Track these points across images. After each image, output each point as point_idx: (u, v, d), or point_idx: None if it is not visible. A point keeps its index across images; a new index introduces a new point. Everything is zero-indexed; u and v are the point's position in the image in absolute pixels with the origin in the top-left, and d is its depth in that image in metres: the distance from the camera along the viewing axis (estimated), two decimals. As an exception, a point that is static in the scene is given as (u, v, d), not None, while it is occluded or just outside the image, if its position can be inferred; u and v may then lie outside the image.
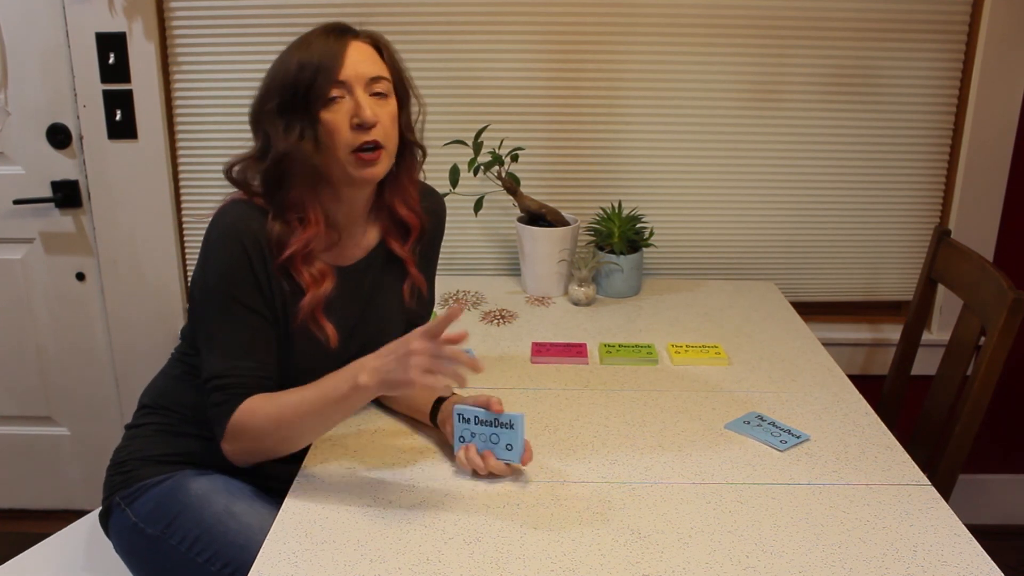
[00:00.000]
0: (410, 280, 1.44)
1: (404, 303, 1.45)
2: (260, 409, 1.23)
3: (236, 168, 1.30)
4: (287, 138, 1.24)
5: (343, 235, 1.36)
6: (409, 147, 1.36)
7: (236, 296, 1.25)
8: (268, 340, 1.28)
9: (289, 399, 1.23)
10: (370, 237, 1.41)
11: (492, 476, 1.26)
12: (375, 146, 1.26)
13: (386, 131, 1.27)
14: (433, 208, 1.47)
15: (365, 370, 1.18)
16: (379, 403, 1.49)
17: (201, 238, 1.29)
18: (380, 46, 1.30)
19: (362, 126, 1.24)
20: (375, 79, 1.26)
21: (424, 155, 1.41)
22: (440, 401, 1.35)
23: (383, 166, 1.29)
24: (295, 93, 1.23)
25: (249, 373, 1.26)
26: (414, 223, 1.41)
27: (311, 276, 1.29)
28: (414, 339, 1.16)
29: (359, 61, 1.25)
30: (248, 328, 1.26)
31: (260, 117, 1.27)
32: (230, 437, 1.25)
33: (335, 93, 1.24)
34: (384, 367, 1.17)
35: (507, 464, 1.25)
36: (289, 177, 1.25)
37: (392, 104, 1.29)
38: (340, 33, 1.26)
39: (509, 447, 1.22)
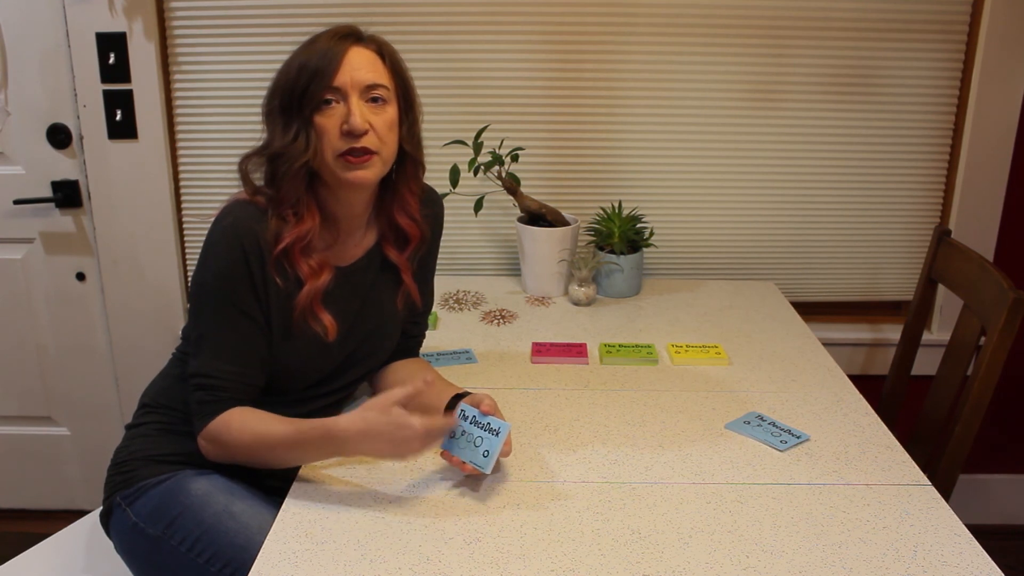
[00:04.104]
0: (404, 288, 1.44)
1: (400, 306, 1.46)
2: (241, 427, 1.25)
3: (249, 163, 1.31)
4: (283, 137, 1.25)
5: (342, 235, 1.36)
6: (410, 156, 1.36)
7: (232, 298, 1.25)
8: (257, 347, 1.29)
9: (270, 430, 1.24)
10: (369, 238, 1.41)
11: (488, 475, 1.26)
12: (364, 151, 1.26)
13: (380, 138, 1.27)
14: (434, 212, 1.48)
15: (348, 445, 1.20)
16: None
17: (201, 238, 1.30)
18: (383, 53, 1.29)
19: (351, 133, 1.24)
20: (372, 86, 1.25)
21: (423, 170, 1.40)
22: (457, 399, 1.35)
23: (374, 171, 1.28)
24: (292, 95, 1.24)
25: (234, 378, 1.27)
26: (413, 233, 1.41)
27: (309, 268, 1.29)
28: (408, 423, 1.16)
29: (357, 67, 1.24)
30: (239, 332, 1.27)
31: (266, 112, 1.29)
32: (207, 437, 1.27)
33: (328, 98, 1.24)
34: (374, 447, 1.19)
35: (474, 468, 1.22)
36: (285, 174, 1.26)
37: (390, 112, 1.28)
38: (343, 37, 1.26)
39: (486, 454, 1.20)
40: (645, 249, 2.04)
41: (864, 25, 2.02)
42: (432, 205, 1.47)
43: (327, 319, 1.32)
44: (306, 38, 1.29)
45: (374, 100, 1.26)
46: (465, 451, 1.21)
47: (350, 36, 1.27)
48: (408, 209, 1.40)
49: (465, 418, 1.24)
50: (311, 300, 1.30)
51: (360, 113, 1.24)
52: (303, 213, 1.29)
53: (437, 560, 1.08)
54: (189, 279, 2.21)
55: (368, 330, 1.41)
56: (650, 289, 2.08)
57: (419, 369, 1.49)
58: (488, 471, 1.21)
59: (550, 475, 1.28)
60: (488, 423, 1.22)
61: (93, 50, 2.01)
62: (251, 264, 1.25)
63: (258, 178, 1.31)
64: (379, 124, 1.26)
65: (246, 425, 1.25)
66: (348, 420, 1.19)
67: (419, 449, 1.19)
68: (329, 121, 1.24)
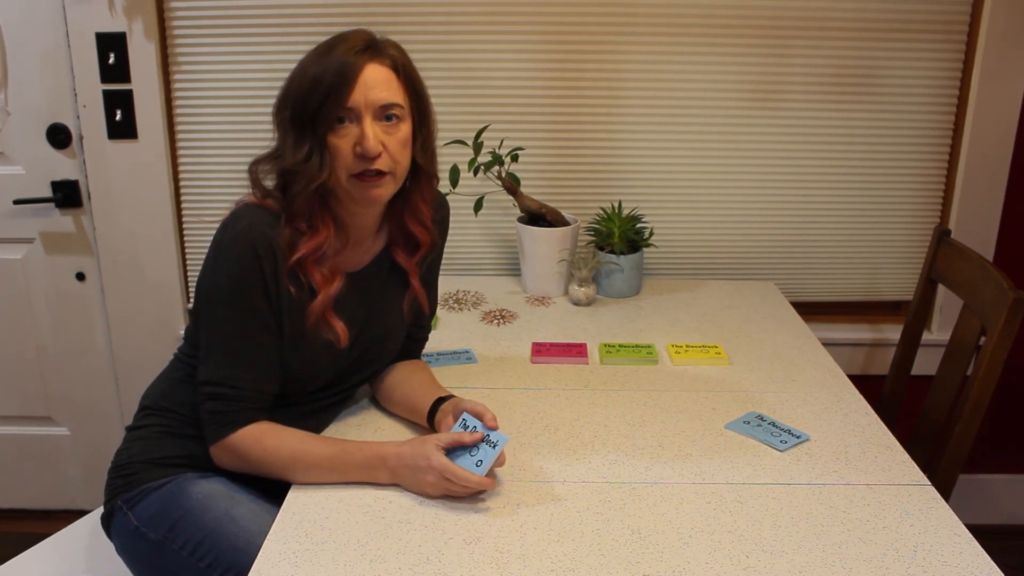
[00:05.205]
0: (411, 292, 1.44)
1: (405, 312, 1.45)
2: (268, 444, 1.24)
3: (259, 168, 1.29)
4: (295, 154, 1.23)
5: (351, 242, 1.36)
6: (424, 169, 1.34)
7: (246, 302, 1.24)
8: (270, 353, 1.28)
9: (311, 449, 1.24)
10: (378, 243, 1.41)
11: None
12: (378, 172, 1.24)
13: (393, 158, 1.25)
14: (442, 217, 1.47)
15: (385, 470, 1.23)
16: (378, 404, 1.49)
17: (200, 238, 1.30)
18: (399, 67, 1.26)
19: (364, 156, 1.22)
20: (387, 106, 1.23)
21: (437, 181, 1.39)
22: (440, 402, 1.35)
23: (387, 190, 1.27)
24: (305, 110, 1.22)
25: (249, 386, 1.26)
26: (424, 239, 1.41)
27: (322, 276, 1.29)
28: (432, 455, 1.19)
29: (372, 87, 1.22)
30: (253, 337, 1.26)
31: (277, 120, 1.27)
32: (226, 450, 1.27)
33: (342, 116, 1.22)
34: (400, 476, 1.22)
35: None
36: (300, 192, 1.24)
37: (404, 129, 1.26)
38: (360, 51, 1.22)
39: (479, 463, 1.20)
40: (645, 249, 2.04)
41: (864, 25, 2.02)
42: (441, 211, 1.47)
43: (339, 326, 1.31)
44: (321, 39, 1.26)
45: (388, 118, 1.24)
46: (461, 458, 1.22)
47: (366, 50, 1.23)
48: (420, 217, 1.39)
49: (466, 428, 1.25)
50: (324, 308, 1.29)
51: (374, 135, 1.22)
52: (317, 225, 1.27)
53: (437, 560, 1.08)
54: (189, 279, 2.21)
55: (375, 335, 1.41)
56: (650, 289, 2.08)
57: (415, 370, 1.49)
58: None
59: (550, 475, 1.28)
60: (487, 435, 1.22)
61: (93, 50, 2.01)
62: (264, 270, 1.24)
63: (269, 181, 1.29)
64: (392, 144, 1.24)
65: (283, 443, 1.24)
66: (396, 446, 1.23)
67: (437, 474, 1.20)
68: (343, 141, 1.23)
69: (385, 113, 1.24)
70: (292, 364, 1.31)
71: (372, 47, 1.24)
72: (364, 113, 1.22)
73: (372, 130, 1.22)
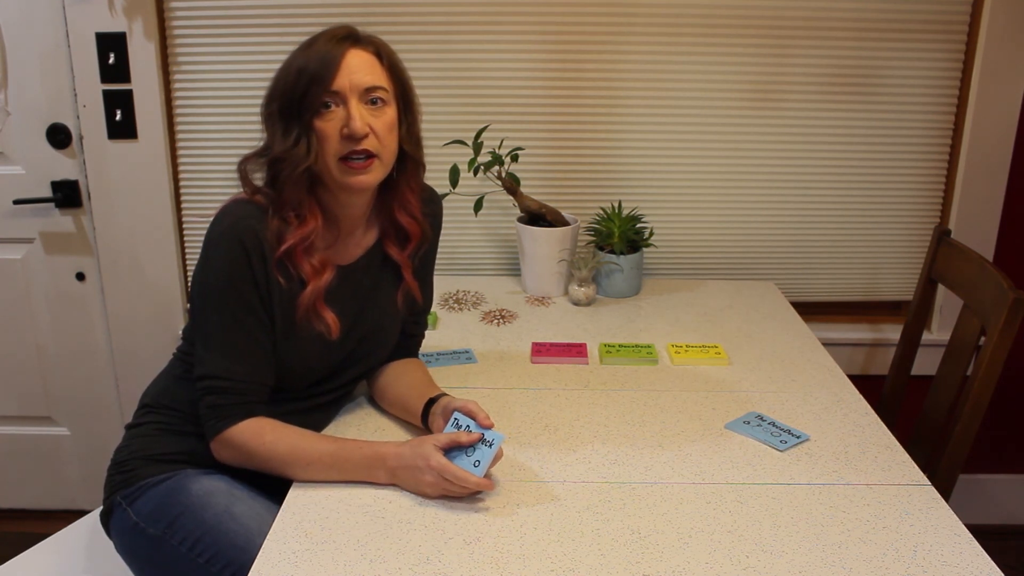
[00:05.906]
0: (404, 286, 1.44)
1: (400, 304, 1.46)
2: (276, 438, 1.26)
3: (248, 165, 1.31)
4: (284, 142, 1.25)
5: (342, 234, 1.37)
6: (410, 156, 1.36)
7: (236, 297, 1.25)
8: (264, 345, 1.29)
9: (312, 446, 1.25)
10: (369, 236, 1.41)
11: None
12: (366, 155, 1.26)
13: (380, 140, 1.27)
14: (433, 211, 1.48)
15: (384, 470, 1.23)
16: (375, 404, 1.49)
17: (201, 238, 1.30)
18: (381, 54, 1.29)
19: (351, 137, 1.24)
20: (371, 89, 1.25)
21: (423, 169, 1.40)
22: (431, 403, 1.35)
23: (374, 175, 1.29)
24: (292, 99, 1.24)
25: (245, 379, 1.27)
26: (414, 231, 1.41)
27: (311, 267, 1.30)
28: (431, 455, 1.19)
29: (355, 70, 1.24)
30: (245, 330, 1.27)
31: (265, 115, 1.29)
32: (226, 443, 1.27)
33: (328, 101, 1.24)
34: (398, 476, 1.23)
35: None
36: (288, 178, 1.26)
37: (389, 113, 1.28)
38: (342, 39, 1.25)
39: (476, 463, 1.20)
40: (645, 249, 2.04)
41: (864, 25, 2.02)
42: (432, 204, 1.47)
43: (330, 317, 1.32)
44: (304, 39, 1.28)
45: (373, 102, 1.26)
46: (459, 459, 1.21)
47: (348, 38, 1.26)
48: (409, 208, 1.40)
49: (459, 427, 1.24)
50: (314, 299, 1.30)
51: (360, 116, 1.24)
52: (305, 215, 1.29)
53: (437, 560, 1.08)
54: (189, 279, 2.21)
55: (369, 328, 1.41)
56: (650, 289, 2.08)
57: (409, 369, 1.49)
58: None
59: (550, 475, 1.28)
60: (482, 434, 1.22)
61: (93, 50, 2.01)
62: (253, 263, 1.25)
63: (258, 178, 1.31)
64: (379, 126, 1.26)
65: (283, 437, 1.26)
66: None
67: (435, 473, 1.20)
68: (329, 125, 1.24)
69: (370, 96, 1.25)
70: (285, 357, 1.31)
71: (353, 36, 1.28)
72: (349, 96, 1.24)
73: (358, 111, 1.24)
